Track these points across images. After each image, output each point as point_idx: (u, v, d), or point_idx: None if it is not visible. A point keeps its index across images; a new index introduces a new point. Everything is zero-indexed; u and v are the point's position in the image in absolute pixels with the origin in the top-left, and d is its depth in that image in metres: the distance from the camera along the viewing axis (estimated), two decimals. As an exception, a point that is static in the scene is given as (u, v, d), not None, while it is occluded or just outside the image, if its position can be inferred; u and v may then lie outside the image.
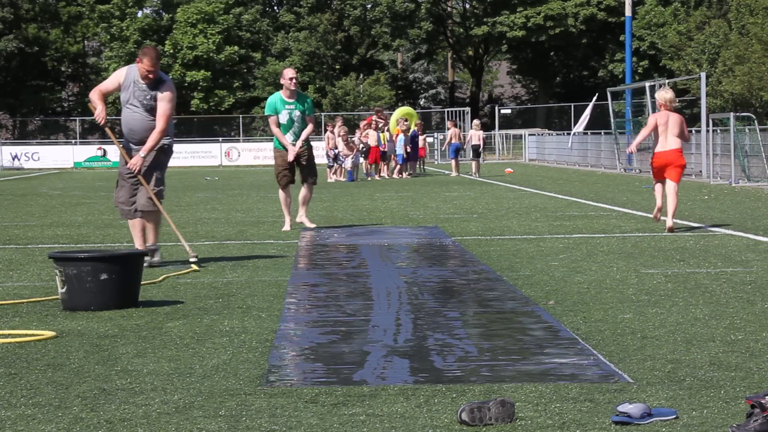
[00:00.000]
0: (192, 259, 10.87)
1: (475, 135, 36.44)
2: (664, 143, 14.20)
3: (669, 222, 13.87)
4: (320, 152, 52.36)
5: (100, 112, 10.67)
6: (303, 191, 15.02)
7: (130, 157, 10.90)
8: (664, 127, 14.19)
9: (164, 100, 10.79)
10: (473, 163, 36.22)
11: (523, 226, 15.08)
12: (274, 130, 14.82)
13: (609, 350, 6.33)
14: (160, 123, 10.78)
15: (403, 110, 37.22)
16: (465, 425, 4.73)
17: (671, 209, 14.01)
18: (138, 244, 10.99)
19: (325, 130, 34.82)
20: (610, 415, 4.84)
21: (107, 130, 11.04)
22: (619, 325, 7.17)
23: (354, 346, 6.63)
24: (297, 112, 14.73)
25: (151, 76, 10.75)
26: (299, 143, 14.74)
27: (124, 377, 5.82)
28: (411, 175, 35.18)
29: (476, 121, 38.36)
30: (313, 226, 15.00)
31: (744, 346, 6.43)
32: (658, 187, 14.49)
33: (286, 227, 14.85)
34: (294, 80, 14.62)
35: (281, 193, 15.04)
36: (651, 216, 15.34)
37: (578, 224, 15.23)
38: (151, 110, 10.81)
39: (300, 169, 14.92)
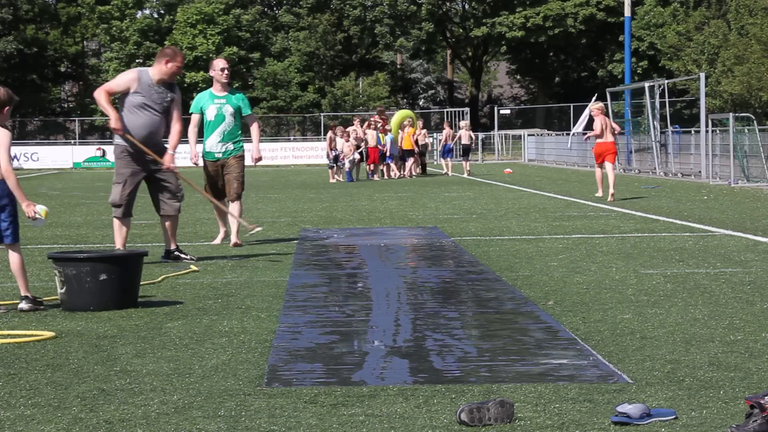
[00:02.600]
0: (256, 230, 11.84)
1: (464, 135, 37.16)
2: (605, 136, 21.12)
3: (611, 190, 20.17)
4: (320, 152, 52.47)
5: (116, 120, 10.85)
6: (231, 206, 12.76)
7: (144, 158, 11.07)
8: (605, 126, 21.19)
9: (178, 102, 11.23)
10: (464, 163, 37.08)
11: (522, 226, 15.07)
12: (190, 132, 12.76)
13: (608, 350, 6.33)
14: (179, 124, 11.26)
15: (403, 113, 37.15)
16: (464, 425, 4.72)
17: (612, 181, 20.46)
18: (119, 244, 11.12)
19: (326, 132, 34.89)
20: (609, 416, 4.84)
21: (128, 136, 11.02)
22: (618, 325, 7.17)
23: (353, 346, 6.63)
24: (228, 108, 12.64)
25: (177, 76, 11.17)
26: (255, 151, 12.73)
27: (123, 377, 5.82)
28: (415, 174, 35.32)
29: (464, 122, 39.37)
30: (258, 229, 12.41)
31: (743, 346, 6.43)
32: (598, 172, 21.44)
33: (235, 239, 12.78)
34: (226, 72, 12.44)
35: (216, 204, 12.89)
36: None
37: (577, 224, 15.23)
38: (165, 112, 11.12)
39: (226, 181, 12.69)
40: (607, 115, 21.92)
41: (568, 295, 8.55)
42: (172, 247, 11.33)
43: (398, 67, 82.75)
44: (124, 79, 11.10)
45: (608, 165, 20.84)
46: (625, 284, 9.11)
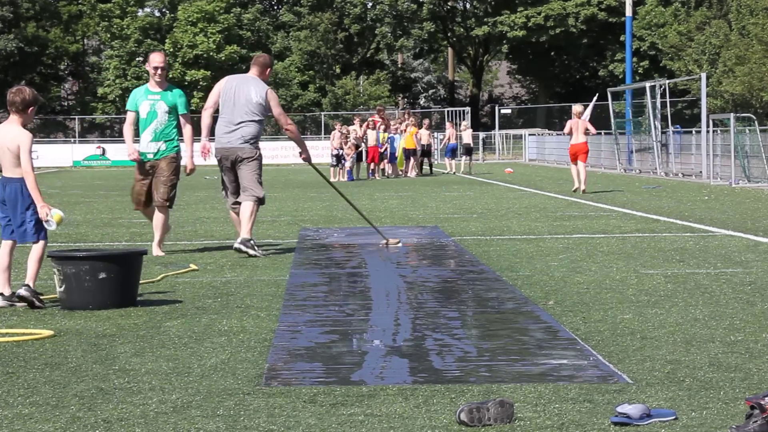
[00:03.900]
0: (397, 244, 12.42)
1: (465, 135, 38.58)
2: (576, 138, 23.74)
3: (583, 186, 23.11)
4: (321, 151, 52.45)
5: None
6: (156, 215, 12.02)
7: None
8: (576, 128, 23.75)
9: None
10: (467, 162, 38.21)
11: (523, 226, 15.07)
12: (126, 130, 12.10)
13: (608, 351, 6.32)
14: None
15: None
16: (464, 425, 4.71)
17: (584, 178, 23.26)
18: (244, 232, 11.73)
19: (326, 130, 34.92)
20: (609, 416, 4.83)
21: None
22: (618, 325, 7.16)
23: (353, 346, 6.62)
24: (162, 105, 11.87)
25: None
26: (187, 161, 11.99)
27: (121, 376, 5.81)
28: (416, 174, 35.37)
29: (465, 122, 41.24)
30: (162, 254, 11.85)
31: (744, 347, 6.42)
32: (573, 168, 23.66)
33: (157, 251, 11.92)
34: (159, 72, 11.80)
35: (143, 213, 12.28)
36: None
37: (578, 224, 15.22)
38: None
39: (154, 183, 11.92)
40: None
41: (568, 295, 8.54)
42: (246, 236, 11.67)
43: (399, 66, 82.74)
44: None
45: (580, 163, 23.46)
46: (626, 284, 9.11)
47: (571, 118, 24.29)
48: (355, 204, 13.67)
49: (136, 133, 12.03)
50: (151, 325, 7.44)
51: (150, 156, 11.93)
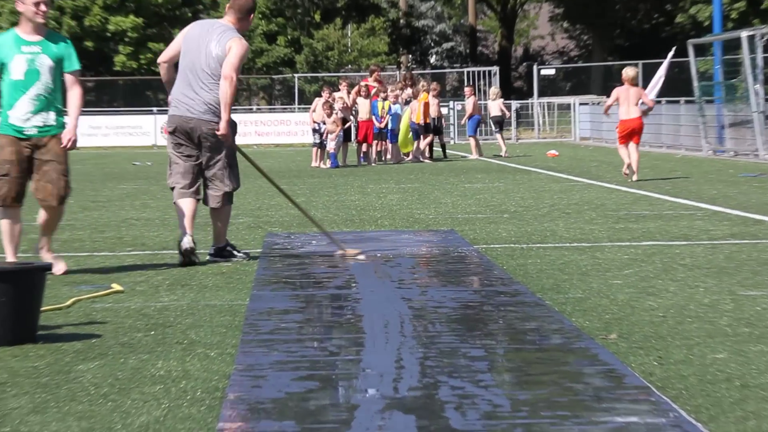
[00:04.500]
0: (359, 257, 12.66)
1: (494, 106, 39.42)
2: (628, 112, 24.49)
3: (635, 174, 24.38)
4: (295, 127, 52.49)
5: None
6: (42, 213, 11.74)
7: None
8: (627, 98, 24.43)
9: None
10: (500, 139, 39.41)
11: (573, 229, 15.09)
12: None
13: (695, 404, 6.29)
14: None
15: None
16: None
17: (637, 164, 24.56)
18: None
19: (301, 98, 34.79)
20: (698, 496, 4.77)
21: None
22: (708, 368, 7.13)
23: (338, 397, 6.60)
24: (46, 60, 11.24)
25: None
26: (71, 127, 11.36)
27: (14, 442, 5.77)
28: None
29: (494, 89, 41.96)
30: (62, 269, 11.72)
31: None
32: (623, 150, 24.72)
33: (57, 263, 11.74)
34: (44, 5, 11.20)
35: (3, 222, 11.56)
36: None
37: (650, 227, 15.24)
38: None
39: (42, 174, 11.43)
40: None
41: (637, 325, 8.53)
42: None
43: (402, 11, 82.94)
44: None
45: (632, 145, 24.71)
46: (718, 311, 9.09)
47: (621, 85, 24.62)
48: (297, 201, 13.90)
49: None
50: (57, 369, 7.39)
51: (30, 133, 11.32)
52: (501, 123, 39.91)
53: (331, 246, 13.50)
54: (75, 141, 11.40)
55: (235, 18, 12.59)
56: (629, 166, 24.50)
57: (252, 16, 12.81)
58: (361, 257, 12.75)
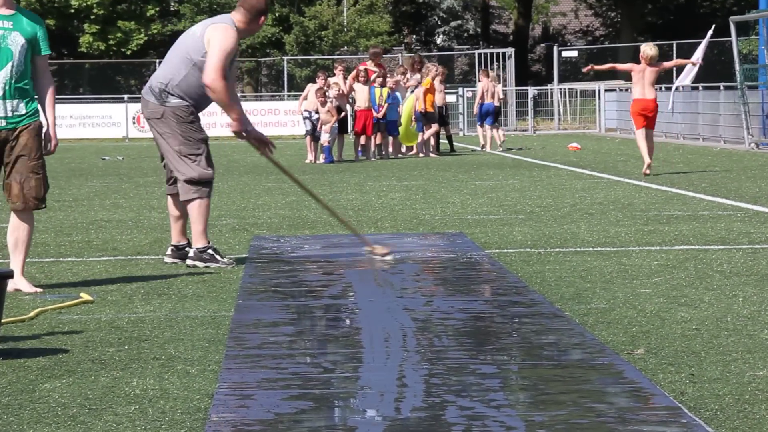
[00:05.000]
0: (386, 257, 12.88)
1: (488, 90, 38.06)
2: (644, 92, 24.81)
3: (648, 164, 24.79)
4: (284, 117, 52.42)
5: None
6: (12, 221, 11.13)
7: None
8: (643, 77, 24.79)
9: None
10: (493, 132, 38.31)
11: (597, 232, 15.10)
12: None
13: (731, 427, 6.33)
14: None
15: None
16: None
17: (650, 152, 25.02)
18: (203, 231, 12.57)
19: (291, 84, 34.65)
20: None
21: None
22: (747, 387, 7.16)
23: (334, 418, 6.63)
24: (18, 38, 10.78)
25: None
26: (51, 123, 11.06)
27: (-25, 467, 5.83)
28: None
29: (494, 73, 41.50)
30: (32, 290, 11.09)
31: None
32: (640, 138, 24.97)
33: (28, 286, 11.20)
34: None
35: None
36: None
37: (682, 230, 15.25)
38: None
39: (14, 173, 10.97)
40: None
41: (668, 339, 8.55)
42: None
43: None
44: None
45: (649, 131, 25.26)
46: (758, 323, 9.11)
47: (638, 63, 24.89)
48: (322, 199, 14.02)
49: None
50: (20, 387, 7.41)
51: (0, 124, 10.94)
52: (497, 113, 38.59)
53: (327, 250, 13.54)
54: (56, 145, 11.15)
55: (243, 18, 12.47)
56: (650, 165, 24.81)
57: (263, 19, 12.61)
58: (389, 258, 12.86)
